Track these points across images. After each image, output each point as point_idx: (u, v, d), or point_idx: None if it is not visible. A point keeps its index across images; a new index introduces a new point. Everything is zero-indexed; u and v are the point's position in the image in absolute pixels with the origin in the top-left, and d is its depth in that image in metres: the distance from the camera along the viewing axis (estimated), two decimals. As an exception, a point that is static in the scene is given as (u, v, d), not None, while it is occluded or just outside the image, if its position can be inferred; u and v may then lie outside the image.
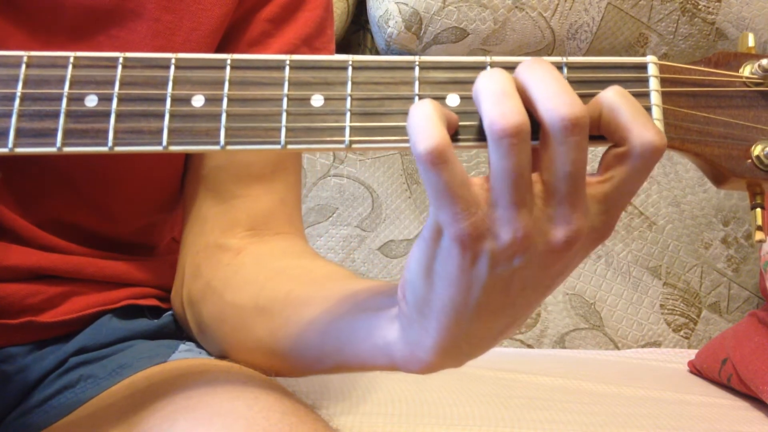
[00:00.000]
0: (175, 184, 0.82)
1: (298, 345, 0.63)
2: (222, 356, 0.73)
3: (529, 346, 1.42)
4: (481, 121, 0.48)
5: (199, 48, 0.72)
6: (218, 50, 0.74)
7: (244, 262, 0.71)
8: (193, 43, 0.71)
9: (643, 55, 1.27)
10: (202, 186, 0.76)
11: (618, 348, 1.42)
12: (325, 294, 0.62)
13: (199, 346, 0.78)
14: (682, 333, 1.44)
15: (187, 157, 0.78)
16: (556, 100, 0.46)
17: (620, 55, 0.51)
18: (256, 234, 0.74)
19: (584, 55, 1.45)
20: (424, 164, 0.45)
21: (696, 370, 1.29)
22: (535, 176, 0.48)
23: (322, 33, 0.78)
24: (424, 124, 0.45)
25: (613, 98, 0.47)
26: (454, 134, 0.49)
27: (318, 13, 0.77)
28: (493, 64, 0.49)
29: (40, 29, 0.67)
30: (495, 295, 0.50)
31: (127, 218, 0.78)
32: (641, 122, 0.47)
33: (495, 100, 0.46)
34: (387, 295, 0.57)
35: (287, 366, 0.66)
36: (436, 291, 0.50)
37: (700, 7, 1.45)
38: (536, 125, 0.47)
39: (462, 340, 0.52)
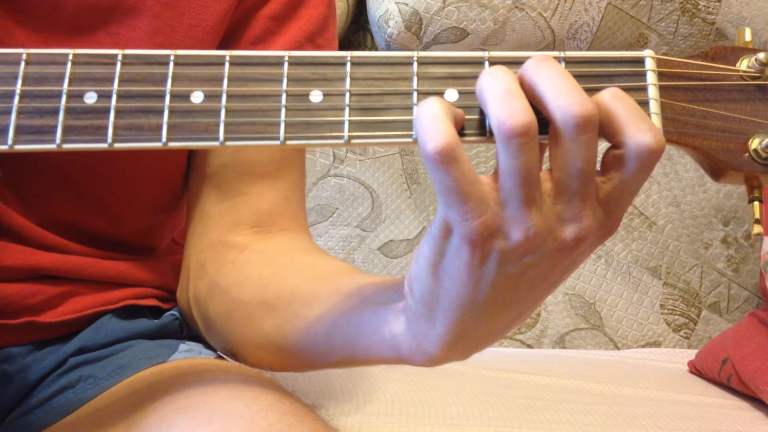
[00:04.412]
0: (176, 184, 0.82)
1: (305, 340, 0.63)
2: (228, 353, 0.73)
3: (529, 346, 1.42)
4: (482, 115, 0.48)
5: (200, 44, 0.72)
6: (220, 48, 0.74)
7: (249, 260, 0.72)
8: (194, 39, 0.71)
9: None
10: (207, 184, 0.76)
11: (618, 348, 1.42)
12: (332, 289, 0.62)
13: (202, 343, 0.79)
14: (682, 333, 1.44)
15: (191, 155, 0.79)
16: (568, 98, 0.46)
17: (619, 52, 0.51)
18: (261, 231, 0.74)
19: (584, 55, 1.45)
20: (433, 163, 0.45)
21: (696, 370, 1.29)
22: (543, 174, 0.48)
23: (324, 29, 0.78)
24: (432, 123, 0.45)
25: (609, 101, 0.47)
26: (460, 130, 0.49)
27: (320, 10, 0.77)
28: (491, 59, 0.50)
29: (41, 27, 0.68)
30: (503, 292, 0.50)
31: (128, 218, 0.78)
32: (636, 125, 0.47)
33: (501, 99, 0.46)
34: (393, 289, 0.57)
35: (295, 361, 0.66)
36: (444, 288, 0.50)
37: (700, 7, 1.45)
38: (541, 121, 0.47)
39: (469, 334, 0.53)
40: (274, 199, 0.75)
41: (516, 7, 1.38)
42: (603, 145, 0.48)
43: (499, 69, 0.47)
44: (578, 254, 0.50)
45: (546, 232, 0.48)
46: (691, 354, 1.33)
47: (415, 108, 0.46)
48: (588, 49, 1.45)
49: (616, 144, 0.48)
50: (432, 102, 0.46)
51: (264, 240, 0.73)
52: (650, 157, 0.47)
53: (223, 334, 0.72)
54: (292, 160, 0.77)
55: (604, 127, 0.47)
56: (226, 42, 0.74)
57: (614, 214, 0.50)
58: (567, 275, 0.52)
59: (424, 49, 1.40)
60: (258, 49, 0.73)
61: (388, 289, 0.57)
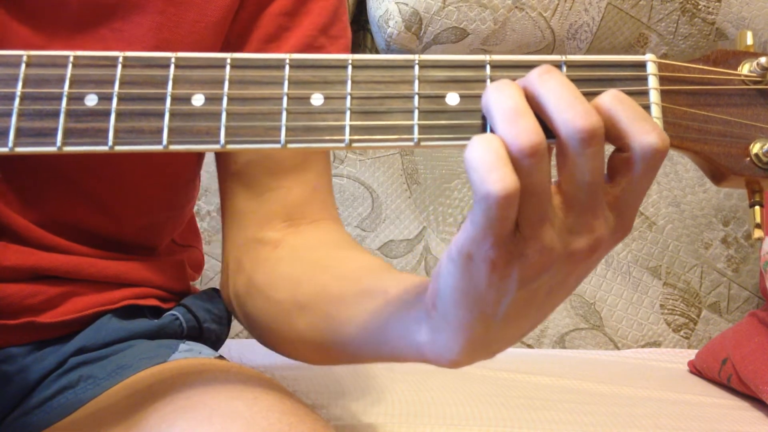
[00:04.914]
0: (177, 184, 0.82)
1: (339, 338, 0.64)
2: (270, 347, 0.75)
3: (529, 346, 1.42)
4: (484, 120, 0.48)
5: (204, 39, 0.72)
6: (232, 50, 0.74)
7: (280, 257, 0.73)
8: (198, 34, 0.71)
9: (643, 55, 1.26)
10: (236, 182, 0.77)
11: (618, 348, 1.42)
12: (359, 289, 0.63)
13: (202, 343, 0.79)
14: (682, 333, 1.44)
15: (217, 154, 0.79)
16: (571, 112, 0.46)
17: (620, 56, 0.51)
18: (293, 224, 0.75)
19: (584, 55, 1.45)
20: (494, 204, 0.45)
21: (696, 370, 1.29)
22: (552, 188, 0.48)
23: (337, 20, 0.78)
24: (500, 164, 0.44)
25: (611, 104, 0.47)
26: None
27: (331, 1, 0.77)
28: (492, 63, 0.49)
29: (44, 24, 0.68)
30: (522, 304, 0.51)
31: (128, 218, 0.78)
32: (640, 126, 0.47)
33: (509, 118, 0.46)
34: (415, 292, 0.57)
35: (332, 356, 0.68)
36: (465, 306, 0.51)
37: (700, 7, 1.45)
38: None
39: (490, 341, 0.53)
40: (302, 191, 0.76)
41: (516, 7, 1.38)
42: (606, 147, 0.48)
43: (506, 84, 0.47)
44: (593, 261, 0.50)
45: (560, 245, 0.48)
46: (691, 354, 1.33)
47: (475, 139, 0.45)
48: (588, 49, 1.45)
49: (620, 147, 0.48)
50: (495, 140, 0.45)
51: (296, 233, 0.74)
52: (655, 157, 0.47)
53: (261, 329, 0.74)
54: (315, 151, 0.78)
55: (607, 131, 0.47)
56: (236, 45, 0.74)
57: (625, 217, 0.50)
58: (582, 280, 0.53)
59: (424, 48, 1.40)
60: (272, 47, 0.74)
61: (410, 292, 0.58)
